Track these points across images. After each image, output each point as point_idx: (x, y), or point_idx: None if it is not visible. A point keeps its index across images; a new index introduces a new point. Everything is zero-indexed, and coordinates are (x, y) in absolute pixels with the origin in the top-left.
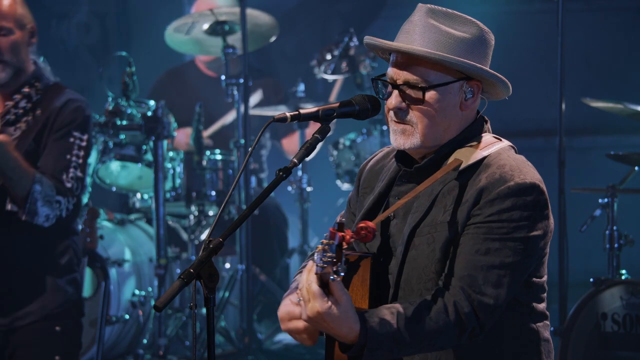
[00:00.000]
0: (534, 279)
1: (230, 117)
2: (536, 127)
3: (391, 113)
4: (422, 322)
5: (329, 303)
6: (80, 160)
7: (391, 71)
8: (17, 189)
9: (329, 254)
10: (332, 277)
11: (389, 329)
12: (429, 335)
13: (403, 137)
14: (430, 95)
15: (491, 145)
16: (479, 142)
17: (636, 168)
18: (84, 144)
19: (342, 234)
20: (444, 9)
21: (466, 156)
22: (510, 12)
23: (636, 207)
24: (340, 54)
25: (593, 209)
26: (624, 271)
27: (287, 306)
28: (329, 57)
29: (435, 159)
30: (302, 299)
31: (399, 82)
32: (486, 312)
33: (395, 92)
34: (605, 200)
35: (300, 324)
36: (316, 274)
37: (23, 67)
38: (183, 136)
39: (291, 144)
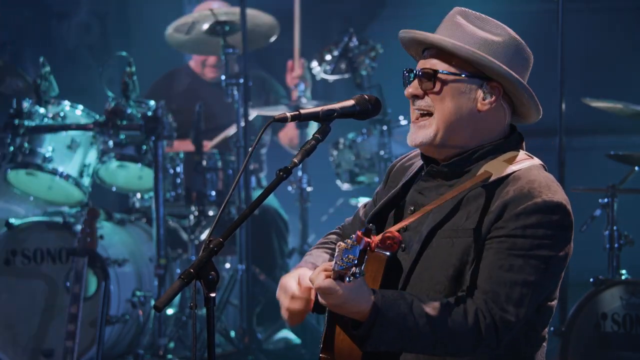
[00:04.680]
0: (548, 302)
1: (232, 129)
2: (536, 127)
3: (414, 110)
4: (440, 315)
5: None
6: None
7: (418, 64)
8: None
9: (350, 256)
10: (348, 279)
11: (402, 309)
12: (443, 330)
13: (418, 132)
14: (443, 81)
15: (522, 161)
16: (512, 157)
17: (636, 168)
18: None
19: (369, 240)
20: (477, 13)
21: (496, 169)
22: (510, 12)
23: (636, 207)
24: (340, 54)
25: (593, 209)
26: (624, 271)
27: (288, 279)
28: (328, 57)
29: (464, 159)
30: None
31: (418, 69)
32: (506, 328)
33: (415, 80)
34: (605, 200)
35: (286, 301)
36: (334, 270)
37: None
38: (181, 147)
39: (286, 136)
